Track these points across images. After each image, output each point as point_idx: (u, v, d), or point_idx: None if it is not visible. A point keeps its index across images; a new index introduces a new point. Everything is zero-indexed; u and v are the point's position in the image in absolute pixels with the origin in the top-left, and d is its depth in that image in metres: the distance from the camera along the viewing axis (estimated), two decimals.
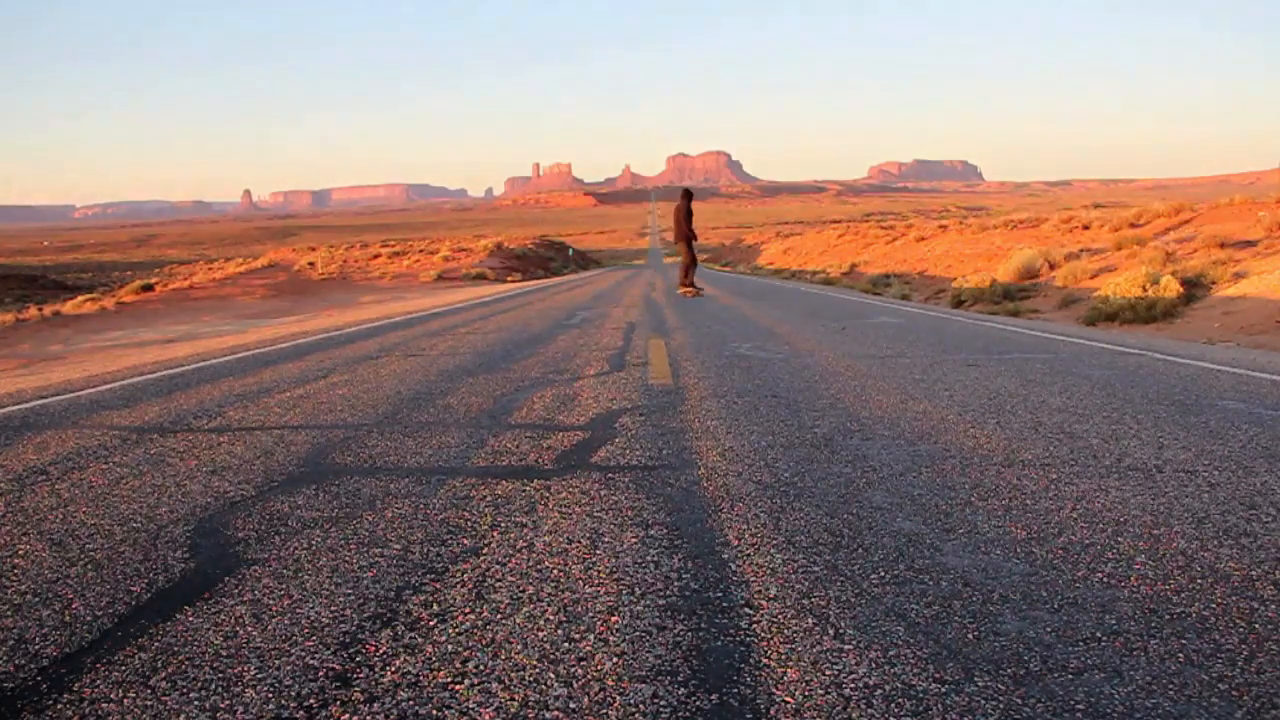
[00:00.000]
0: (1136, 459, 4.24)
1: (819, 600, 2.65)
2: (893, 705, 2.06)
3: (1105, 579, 2.77)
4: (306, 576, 2.94)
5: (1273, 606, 2.55)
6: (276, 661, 2.34)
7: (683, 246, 20.33)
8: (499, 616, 2.59)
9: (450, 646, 2.40)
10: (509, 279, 46.15)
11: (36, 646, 2.47)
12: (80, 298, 32.69)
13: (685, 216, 19.84)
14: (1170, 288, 13.85)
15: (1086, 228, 29.49)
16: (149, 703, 2.15)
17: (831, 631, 2.44)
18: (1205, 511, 3.41)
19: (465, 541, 3.25)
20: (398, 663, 2.32)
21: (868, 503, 3.61)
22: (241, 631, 2.53)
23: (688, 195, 20.16)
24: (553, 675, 2.23)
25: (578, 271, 68.45)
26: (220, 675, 2.28)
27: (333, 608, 2.68)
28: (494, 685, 2.20)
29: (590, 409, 5.89)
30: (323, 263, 48.21)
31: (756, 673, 2.22)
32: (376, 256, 53.90)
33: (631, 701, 2.10)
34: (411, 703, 2.13)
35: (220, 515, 3.65)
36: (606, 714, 2.06)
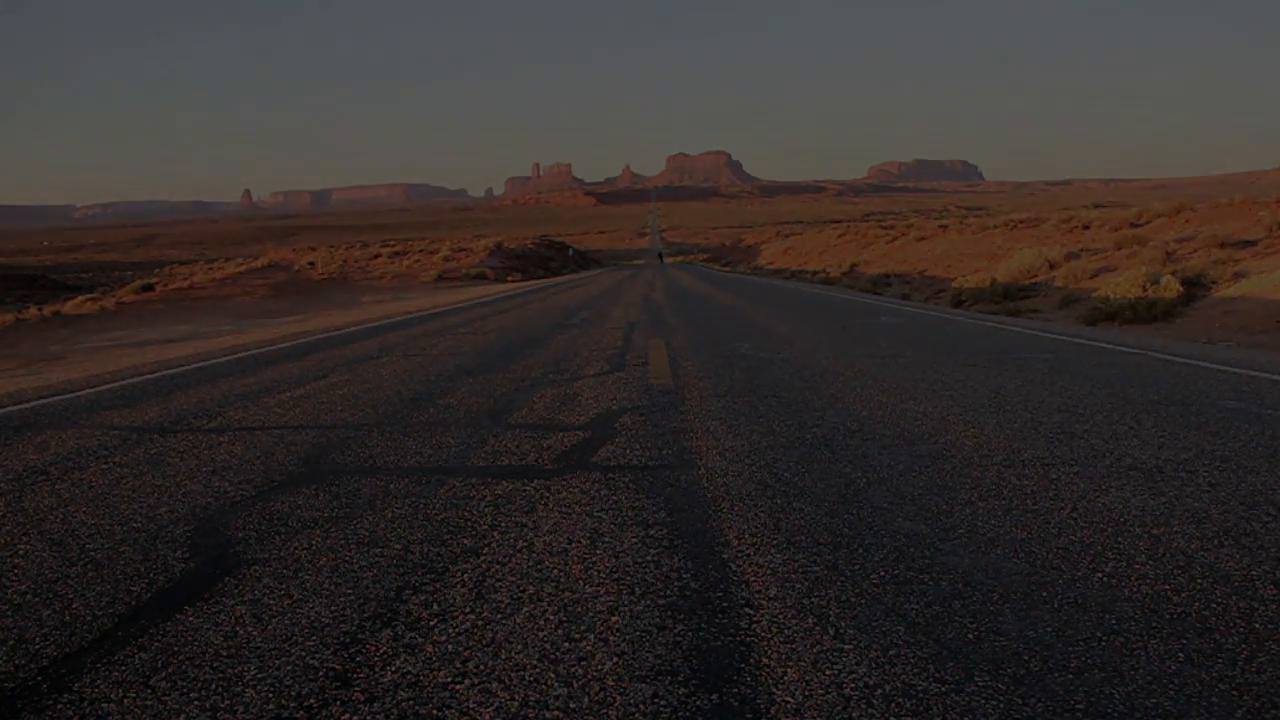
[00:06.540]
0: (1136, 459, 4.23)
1: (819, 600, 2.65)
2: (893, 705, 2.06)
3: (1105, 579, 2.77)
4: (306, 576, 2.94)
5: (1273, 606, 2.55)
6: (276, 661, 2.34)
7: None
8: (499, 616, 2.59)
9: (450, 646, 2.40)
10: (509, 279, 46.16)
11: (36, 646, 2.47)
12: (80, 298, 32.66)
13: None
14: (1170, 287, 13.84)
15: (1087, 227, 29.49)
16: (149, 703, 2.15)
17: (831, 631, 2.44)
18: (1205, 511, 3.41)
19: (465, 541, 3.25)
20: (398, 663, 2.32)
21: (868, 503, 3.61)
22: (241, 631, 2.53)
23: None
24: (553, 675, 2.23)
25: (578, 271, 68.47)
26: (220, 675, 2.28)
27: (333, 608, 2.68)
28: (494, 685, 2.20)
29: (590, 409, 5.89)
30: (323, 263, 48.18)
31: (756, 673, 2.22)
32: (377, 256, 53.89)
33: (631, 701, 2.10)
34: (411, 703, 2.13)
35: (220, 515, 3.65)
36: (606, 714, 2.06)
